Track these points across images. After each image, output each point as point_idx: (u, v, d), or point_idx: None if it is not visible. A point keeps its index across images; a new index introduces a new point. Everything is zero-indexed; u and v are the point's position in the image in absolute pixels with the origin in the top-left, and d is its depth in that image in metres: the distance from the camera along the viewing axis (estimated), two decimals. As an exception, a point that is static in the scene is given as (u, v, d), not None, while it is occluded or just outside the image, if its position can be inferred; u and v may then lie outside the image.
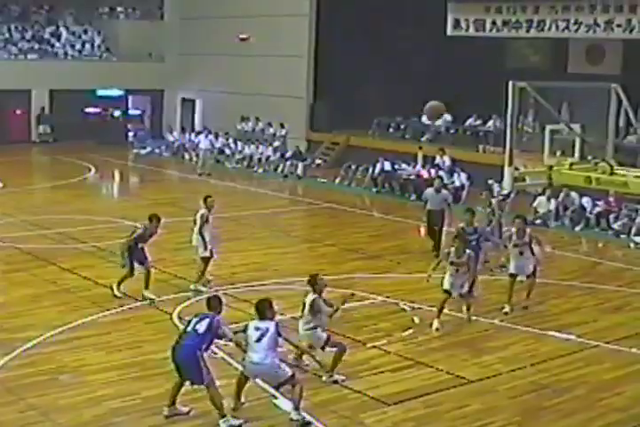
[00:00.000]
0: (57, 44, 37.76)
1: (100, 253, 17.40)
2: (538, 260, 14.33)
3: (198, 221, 14.80)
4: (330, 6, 30.41)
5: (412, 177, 25.33)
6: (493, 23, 25.92)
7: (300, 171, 28.58)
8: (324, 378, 10.91)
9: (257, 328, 9.60)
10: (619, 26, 23.09)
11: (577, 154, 13.33)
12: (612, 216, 20.76)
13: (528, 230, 14.31)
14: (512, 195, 21.69)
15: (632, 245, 19.68)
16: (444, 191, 18.53)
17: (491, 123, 27.53)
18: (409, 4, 28.22)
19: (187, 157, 32.29)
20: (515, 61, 29.13)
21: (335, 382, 10.85)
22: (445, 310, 13.18)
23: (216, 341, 9.96)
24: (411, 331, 12.99)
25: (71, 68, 36.18)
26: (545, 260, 15.65)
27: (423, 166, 25.46)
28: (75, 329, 12.66)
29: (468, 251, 13.33)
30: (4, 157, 30.77)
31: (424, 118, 24.23)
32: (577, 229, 21.06)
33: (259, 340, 9.51)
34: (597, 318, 14.03)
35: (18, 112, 35.75)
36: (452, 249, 13.31)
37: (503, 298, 14.10)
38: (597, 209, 21.11)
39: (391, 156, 26.52)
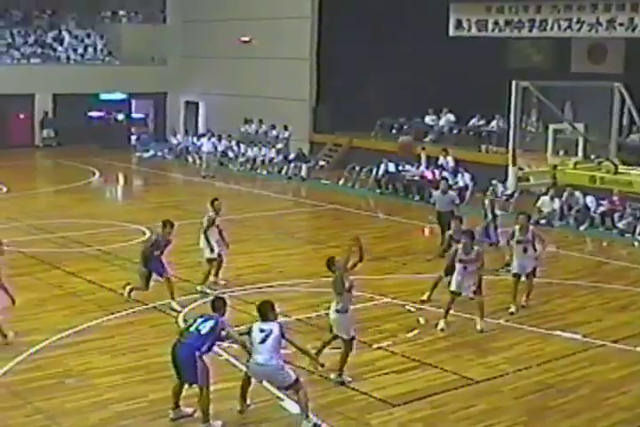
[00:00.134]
0: (59, 49, 37.78)
1: (105, 257, 17.43)
2: (538, 258, 14.21)
3: (205, 224, 14.85)
4: (332, 8, 30.39)
5: (416, 178, 25.34)
6: (495, 23, 25.92)
7: (303, 173, 28.60)
8: (332, 376, 10.91)
9: (261, 330, 9.58)
10: (621, 24, 23.08)
11: (580, 153, 13.35)
12: (616, 215, 20.72)
13: (531, 228, 14.26)
14: (516, 194, 21.71)
15: (637, 243, 19.68)
16: (450, 193, 18.58)
17: (494, 123, 27.48)
18: (410, 6, 28.18)
19: (190, 159, 32.37)
20: (517, 61, 29.11)
21: (342, 382, 10.85)
22: (450, 311, 13.15)
23: (219, 343, 9.93)
24: (416, 332, 13.00)
25: (74, 72, 36.23)
26: (549, 259, 15.63)
27: (427, 167, 25.47)
28: (80, 333, 12.67)
29: (476, 247, 13.10)
30: (8, 161, 30.82)
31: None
32: (581, 228, 21.03)
33: (263, 341, 9.49)
34: (602, 317, 14.00)
35: (21, 116, 35.80)
36: (460, 246, 13.11)
37: (508, 298, 14.08)
38: (602, 208, 21.07)
39: (394, 157, 26.48)
